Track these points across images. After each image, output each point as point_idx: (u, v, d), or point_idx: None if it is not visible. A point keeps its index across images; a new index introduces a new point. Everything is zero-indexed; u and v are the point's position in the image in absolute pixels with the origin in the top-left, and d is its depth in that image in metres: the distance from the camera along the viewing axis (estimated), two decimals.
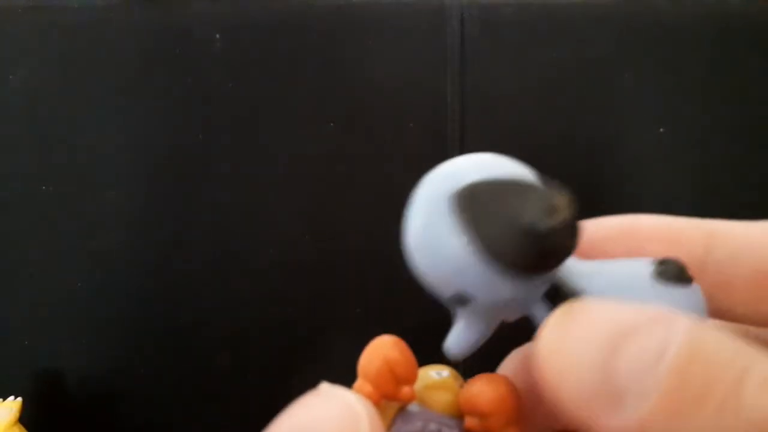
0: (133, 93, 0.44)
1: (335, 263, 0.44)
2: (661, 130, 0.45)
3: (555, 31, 0.45)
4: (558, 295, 0.13)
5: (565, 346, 0.11)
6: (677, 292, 0.13)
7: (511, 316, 0.14)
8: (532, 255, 0.12)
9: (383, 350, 0.14)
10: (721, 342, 0.10)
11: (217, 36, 0.44)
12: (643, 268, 0.13)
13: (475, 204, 0.13)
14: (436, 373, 0.15)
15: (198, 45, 0.44)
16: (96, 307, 0.43)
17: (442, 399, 0.14)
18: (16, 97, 0.43)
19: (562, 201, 0.12)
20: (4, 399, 0.38)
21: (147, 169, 0.44)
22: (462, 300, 0.13)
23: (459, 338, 0.14)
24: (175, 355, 0.44)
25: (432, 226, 0.13)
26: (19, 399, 0.38)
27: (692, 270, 0.13)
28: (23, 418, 0.38)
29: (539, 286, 0.13)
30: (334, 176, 0.44)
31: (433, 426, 0.13)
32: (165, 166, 0.44)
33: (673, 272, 0.13)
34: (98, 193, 0.43)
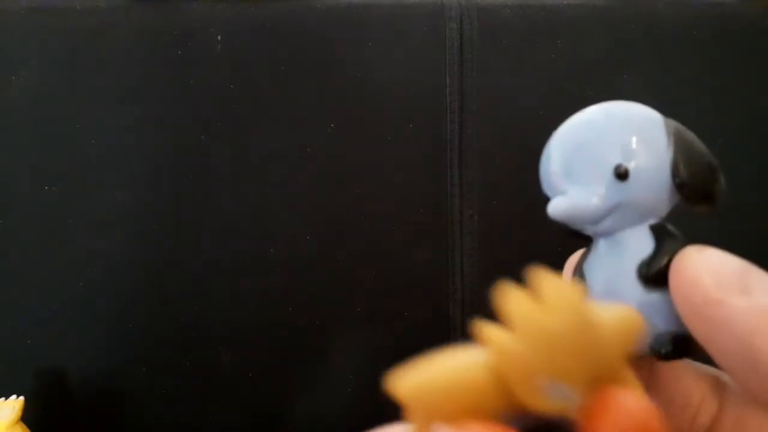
0: (135, 94, 0.44)
1: (336, 262, 0.44)
2: None
3: (553, 32, 0.45)
4: (666, 230, 0.15)
5: (710, 257, 0.14)
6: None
7: (620, 223, 0.15)
8: (710, 187, 0.15)
9: None
10: None
11: (219, 37, 0.44)
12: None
13: (679, 130, 0.16)
14: (550, 387, 0.10)
15: (199, 46, 0.44)
16: (98, 306, 0.44)
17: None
18: (18, 98, 0.44)
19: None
20: (7, 398, 0.38)
21: (149, 170, 0.44)
22: (624, 174, 0.15)
23: (591, 201, 0.15)
24: (177, 353, 0.44)
25: (645, 130, 0.15)
26: (22, 398, 0.38)
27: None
28: (26, 417, 0.38)
29: (657, 216, 0.16)
30: (334, 176, 0.45)
31: None
32: (167, 166, 0.44)
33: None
34: (100, 193, 0.44)
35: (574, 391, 0.10)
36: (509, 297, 0.10)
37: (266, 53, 0.44)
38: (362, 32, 0.45)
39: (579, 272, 0.16)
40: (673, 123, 0.16)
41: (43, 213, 0.43)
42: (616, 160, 0.15)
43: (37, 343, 0.44)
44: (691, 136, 0.16)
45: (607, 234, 0.16)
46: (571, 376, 0.10)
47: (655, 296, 0.15)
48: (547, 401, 0.10)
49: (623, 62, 0.46)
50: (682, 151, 0.15)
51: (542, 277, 0.10)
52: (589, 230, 0.16)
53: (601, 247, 0.16)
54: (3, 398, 0.38)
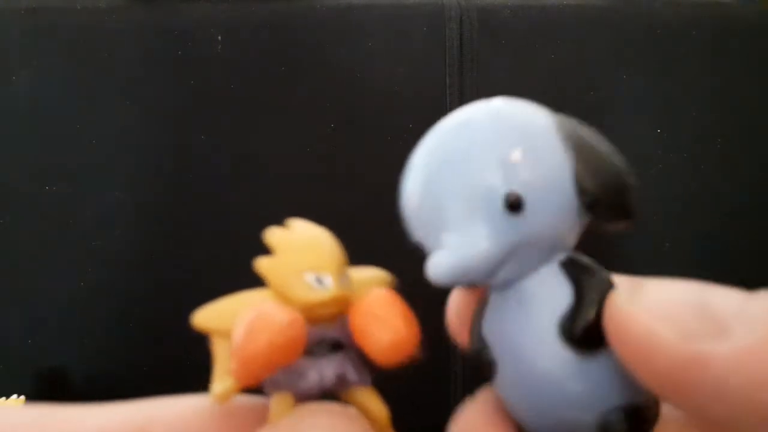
0: (135, 94, 0.44)
1: None
2: (658, 130, 0.46)
3: (553, 33, 0.45)
4: (579, 265, 0.12)
5: (654, 297, 0.11)
6: None
7: (521, 268, 0.12)
8: (626, 199, 0.12)
9: (268, 334, 0.12)
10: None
11: (219, 37, 0.44)
12: None
13: (578, 133, 0.12)
14: (315, 280, 0.12)
15: (199, 46, 0.44)
16: (98, 306, 0.44)
17: (328, 314, 0.13)
18: (19, 98, 0.44)
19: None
20: (7, 398, 0.38)
21: (149, 169, 0.44)
22: (517, 204, 0.11)
23: (457, 255, 0.11)
24: (177, 353, 0.44)
25: (535, 138, 0.12)
26: (22, 398, 0.38)
27: None
28: None
29: (563, 251, 0.12)
30: (334, 176, 0.45)
31: (328, 375, 0.12)
32: (167, 165, 0.44)
33: None
34: (100, 193, 0.44)
35: (329, 277, 0.12)
36: (271, 232, 0.13)
37: (266, 53, 0.44)
38: (362, 32, 0.45)
39: (477, 334, 0.13)
40: (569, 123, 0.12)
41: (43, 213, 0.43)
42: (501, 184, 0.11)
43: (37, 343, 0.44)
44: (592, 136, 0.12)
45: (507, 285, 0.12)
46: (324, 267, 0.13)
47: (591, 363, 0.11)
48: (312, 291, 0.12)
49: (623, 62, 0.46)
50: (585, 160, 0.12)
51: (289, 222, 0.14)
52: (482, 283, 0.12)
53: (500, 301, 0.12)
54: (3, 398, 0.38)
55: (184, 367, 0.45)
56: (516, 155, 0.11)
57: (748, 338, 0.09)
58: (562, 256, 0.12)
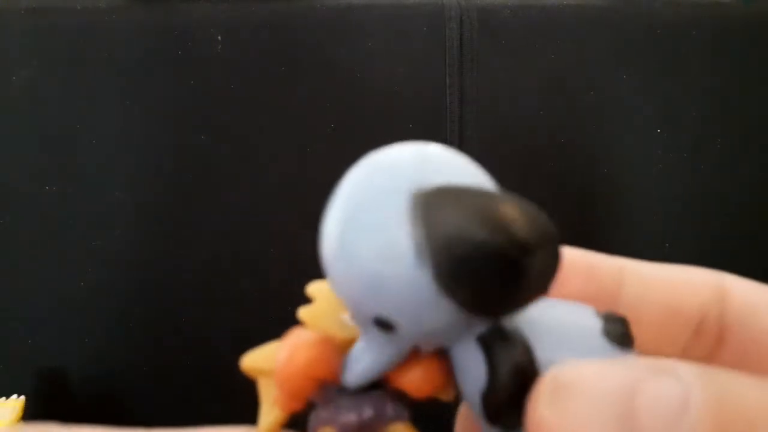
0: (136, 94, 0.44)
1: None
2: (658, 130, 0.46)
3: (553, 33, 0.45)
4: (496, 337, 0.11)
5: (573, 421, 0.09)
6: (624, 354, 0.11)
7: (428, 347, 0.12)
8: (498, 291, 0.10)
9: (305, 350, 0.12)
10: (740, 384, 0.09)
11: (219, 37, 0.44)
12: (590, 321, 0.12)
13: (439, 212, 0.10)
14: (350, 319, 0.13)
15: (199, 46, 0.44)
16: (99, 306, 0.44)
17: None
18: (18, 97, 0.44)
19: (543, 228, 0.10)
20: (8, 397, 0.38)
21: (149, 170, 0.44)
22: (384, 324, 0.11)
23: (363, 366, 0.12)
24: (178, 353, 0.44)
25: (378, 225, 0.10)
26: (22, 397, 0.38)
27: (606, 305, 0.13)
28: (26, 417, 0.38)
29: (479, 324, 0.11)
30: (334, 176, 0.44)
31: (367, 410, 0.13)
32: (167, 166, 0.44)
33: (621, 333, 0.12)
34: (100, 193, 0.44)
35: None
36: (312, 285, 0.14)
37: (266, 53, 0.44)
38: (362, 32, 0.45)
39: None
40: (426, 188, 0.10)
41: (43, 213, 0.43)
42: (370, 308, 0.11)
43: (37, 343, 0.44)
44: (451, 217, 0.10)
45: (456, 348, 0.12)
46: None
47: None
48: (348, 328, 0.13)
49: (623, 62, 0.46)
50: (429, 225, 0.10)
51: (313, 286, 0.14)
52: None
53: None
54: (3, 398, 0.38)
55: (184, 367, 0.45)
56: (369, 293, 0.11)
57: None
58: (478, 329, 0.11)
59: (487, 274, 0.10)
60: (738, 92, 0.47)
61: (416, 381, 0.13)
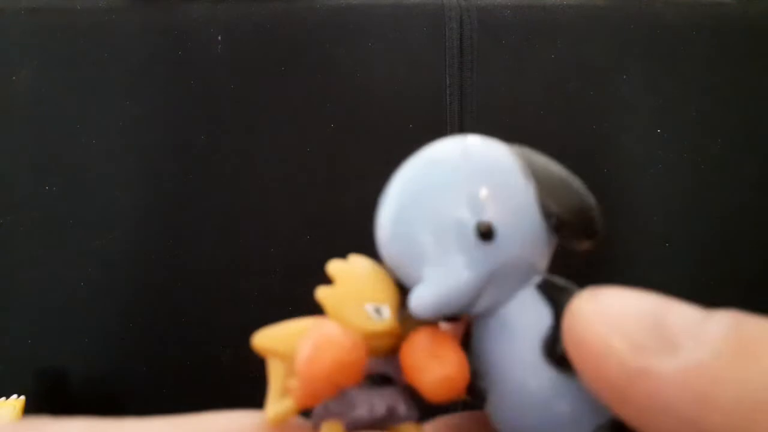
0: (136, 94, 0.44)
1: None
2: (658, 130, 0.46)
3: (553, 33, 0.45)
4: (553, 285, 0.13)
5: (611, 310, 0.10)
6: None
7: (493, 295, 0.12)
8: (589, 219, 0.12)
9: (332, 353, 0.12)
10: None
11: (219, 37, 0.44)
12: None
13: (537, 162, 0.13)
14: (374, 310, 0.13)
15: (200, 46, 0.44)
16: (99, 306, 0.44)
17: (383, 346, 0.13)
18: (19, 97, 0.44)
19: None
20: (8, 397, 0.38)
21: (150, 169, 0.44)
22: (488, 232, 0.12)
23: (439, 289, 0.12)
24: (178, 354, 0.44)
25: (500, 173, 0.12)
26: (22, 397, 0.38)
27: None
28: (26, 417, 0.38)
29: (538, 274, 0.13)
30: (334, 176, 0.45)
31: (379, 407, 0.12)
32: (167, 166, 0.44)
33: None
34: (100, 193, 0.44)
35: (387, 309, 0.13)
36: (332, 264, 0.13)
37: (266, 53, 0.44)
38: (362, 32, 0.45)
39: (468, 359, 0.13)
40: (528, 154, 0.13)
41: (43, 213, 0.43)
42: (470, 216, 0.12)
43: (37, 343, 0.44)
44: (547, 163, 0.13)
45: (488, 313, 0.13)
46: (383, 299, 0.13)
47: (576, 382, 0.12)
48: (370, 321, 0.12)
49: (623, 62, 0.46)
50: (546, 186, 0.12)
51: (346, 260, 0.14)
52: (463, 314, 0.13)
53: (483, 330, 0.13)
54: (3, 398, 0.38)
55: (184, 366, 0.45)
56: (483, 191, 0.12)
57: (695, 356, 0.09)
58: (537, 279, 0.13)
59: (586, 212, 0.13)
60: (738, 92, 0.46)
61: (435, 381, 0.12)
